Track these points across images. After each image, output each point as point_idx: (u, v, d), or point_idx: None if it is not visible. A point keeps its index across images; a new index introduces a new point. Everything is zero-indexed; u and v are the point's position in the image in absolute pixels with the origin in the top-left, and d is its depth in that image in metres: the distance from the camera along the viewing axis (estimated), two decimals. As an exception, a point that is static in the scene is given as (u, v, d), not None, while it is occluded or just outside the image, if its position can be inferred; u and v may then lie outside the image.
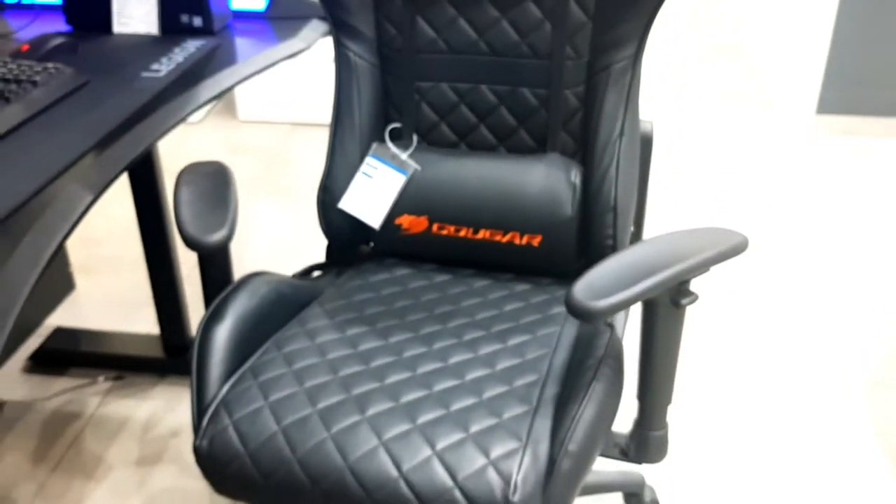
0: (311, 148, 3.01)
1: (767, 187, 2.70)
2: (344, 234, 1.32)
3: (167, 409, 1.79)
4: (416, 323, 1.17)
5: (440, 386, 1.04)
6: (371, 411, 1.00)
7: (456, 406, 1.01)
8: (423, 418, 0.99)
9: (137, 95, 1.25)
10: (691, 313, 2.10)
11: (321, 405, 1.01)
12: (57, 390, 1.84)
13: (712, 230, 1.05)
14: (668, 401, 1.07)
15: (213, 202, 1.10)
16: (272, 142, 3.06)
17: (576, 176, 1.21)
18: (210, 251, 1.06)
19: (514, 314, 1.19)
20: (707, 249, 0.98)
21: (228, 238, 1.06)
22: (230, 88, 1.33)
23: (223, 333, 1.07)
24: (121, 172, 1.06)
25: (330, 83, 3.06)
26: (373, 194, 1.25)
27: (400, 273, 1.30)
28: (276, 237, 2.46)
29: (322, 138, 3.04)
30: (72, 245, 2.40)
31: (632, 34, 1.15)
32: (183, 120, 1.20)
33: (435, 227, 1.25)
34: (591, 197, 1.21)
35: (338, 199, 1.28)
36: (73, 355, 1.94)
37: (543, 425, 0.99)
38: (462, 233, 1.24)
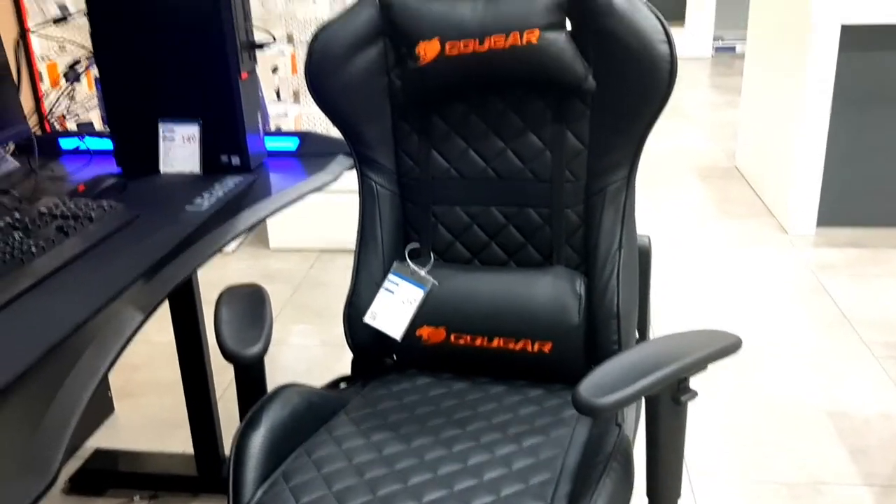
0: (337, 272, 3.15)
1: (769, 294, 2.77)
2: (368, 347, 1.42)
3: (200, 526, 1.85)
4: (436, 428, 1.25)
5: (460, 486, 1.11)
6: (395, 510, 1.07)
7: None
8: (444, 515, 1.05)
9: (182, 227, 1.39)
10: (695, 411, 2.13)
11: (349, 505, 1.08)
12: (95, 510, 1.91)
13: (708, 332, 1.13)
14: (676, 494, 1.13)
15: (249, 319, 1.22)
16: (302, 268, 3.21)
17: (580, 286, 1.31)
18: (246, 364, 1.16)
19: (528, 417, 1.27)
20: (702, 349, 1.07)
21: (263, 352, 1.16)
22: (265, 218, 1.46)
23: (258, 440, 1.16)
24: (167, 295, 1.18)
25: (352, 212, 3.23)
26: (394, 308, 1.35)
27: (421, 382, 1.38)
28: (307, 354, 2.56)
29: (347, 263, 3.19)
30: (112, 371, 2.51)
31: (623, 159, 1.28)
32: (223, 247, 1.33)
33: (453, 337, 1.35)
34: (595, 305, 1.30)
35: (363, 313, 1.38)
36: (111, 476, 2.01)
37: (557, 520, 1.05)
38: (478, 342, 1.34)
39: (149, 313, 1.14)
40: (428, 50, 1.27)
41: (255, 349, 1.15)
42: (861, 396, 2.20)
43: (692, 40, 6.92)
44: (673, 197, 3.79)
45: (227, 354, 1.15)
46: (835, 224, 3.26)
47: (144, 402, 2.36)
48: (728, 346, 1.09)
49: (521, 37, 1.23)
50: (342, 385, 1.43)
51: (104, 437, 2.19)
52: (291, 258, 3.31)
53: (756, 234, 3.30)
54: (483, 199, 1.37)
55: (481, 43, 1.24)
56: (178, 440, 2.15)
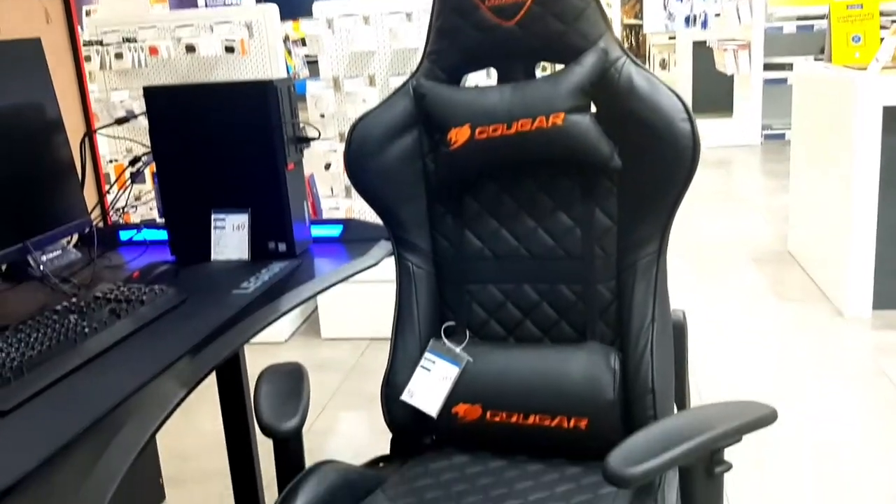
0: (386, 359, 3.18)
1: (827, 377, 2.69)
2: (406, 426, 1.43)
3: None
4: (472, 505, 1.24)
5: (493, 562, 1.10)
6: (427, 586, 1.06)
7: (508, 580, 1.06)
8: (477, 592, 1.04)
9: (227, 309, 1.44)
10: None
11: (381, 582, 1.08)
12: None
13: (743, 403, 1.12)
14: (716, 573, 1.09)
15: (287, 395, 1.25)
16: (353, 356, 3.25)
17: (615, 361, 1.31)
18: (284, 437, 1.18)
19: (565, 495, 1.26)
20: (735, 419, 1.05)
21: (300, 425, 1.19)
22: (307, 300, 1.51)
23: (294, 516, 1.17)
24: (210, 371, 1.23)
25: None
26: (431, 386, 1.37)
27: (458, 460, 1.38)
28: (355, 442, 2.56)
29: (397, 351, 3.21)
30: (164, 459, 2.56)
31: (653, 235, 1.30)
32: (266, 326, 1.38)
33: (488, 414, 1.35)
34: (630, 380, 1.30)
35: (400, 392, 1.40)
36: (158, 563, 2.02)
37: None
38: (514, 419, 1.34)
39: (191, 388, 1.18)
40: (459, 135, 1.33)
41: (291, 423, 1.18)
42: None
43: (741, 129, 6.95)
44: (726, 280, 3.75)
45: (265, 428, 1.18)
46: (892, 307, 3.17)
47: (194, 490, 2.38)
48: (763, 417, 1.08)
49: (547, 120, 1.28)
50: (381, 464, 1.44)
51: (154, 525, 2.22)
52: (343, 347, 3.35)
53: (811, 317, 3.23)
54: (516, 277, 1.40)
55: (509, 127, 1.30)
56: (226, 527, 2.16)
